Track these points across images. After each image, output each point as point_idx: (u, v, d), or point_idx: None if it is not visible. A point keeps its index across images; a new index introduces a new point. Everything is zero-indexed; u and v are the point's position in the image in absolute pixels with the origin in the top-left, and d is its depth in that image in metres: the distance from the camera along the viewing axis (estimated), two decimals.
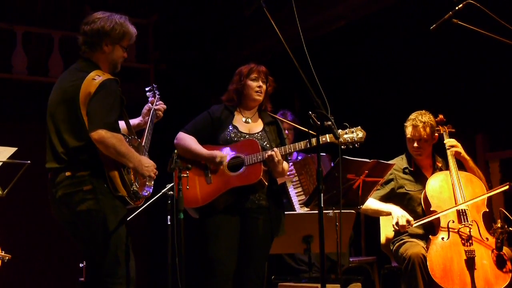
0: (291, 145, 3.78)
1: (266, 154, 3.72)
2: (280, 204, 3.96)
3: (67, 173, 3.21)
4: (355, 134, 3.65)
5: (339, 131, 3.61)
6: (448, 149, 4.28)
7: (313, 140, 3.68)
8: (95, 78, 3.22)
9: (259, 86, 3.91)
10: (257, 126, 3.97)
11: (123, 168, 3.25)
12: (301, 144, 3.75)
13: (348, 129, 3.64)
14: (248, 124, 3.96)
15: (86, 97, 3.19)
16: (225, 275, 3.77)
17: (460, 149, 4.28)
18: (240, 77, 3.94)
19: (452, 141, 4.30)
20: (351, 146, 3.65)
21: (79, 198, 3.20)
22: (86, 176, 3.20)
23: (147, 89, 3.85)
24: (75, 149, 3.21)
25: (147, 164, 3.34)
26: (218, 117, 3.93)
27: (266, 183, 3.78)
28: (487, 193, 4.18)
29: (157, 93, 3.83)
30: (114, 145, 3.14)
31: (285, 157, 3.88)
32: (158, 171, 3.82)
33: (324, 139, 3.65)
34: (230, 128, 3.89)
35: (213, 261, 3.77)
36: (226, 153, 3.82)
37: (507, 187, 4.11)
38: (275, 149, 3.74)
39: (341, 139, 3.61)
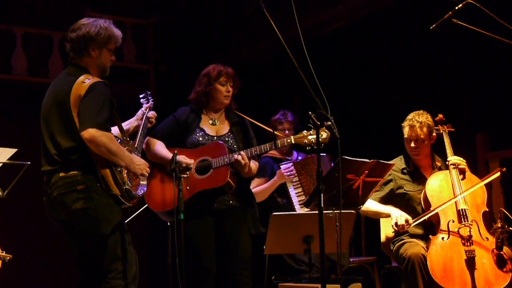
0: (257, 147, 3.85)
1: (233, 158, 3.76)
2: (250, 202, 4.00)
3: (61, 174, 3.27)
4: (320, 135, 3.65)
5: (304, 132, 3.69)
6: (454, 168, 4.24)
7: (278, 142, 3.77)
8: (85, 81, 3.30)
9: (228, 91, 3.97)
10: (224, 127, 4.02)
11: (115, 167, 3.29)
12: (267, 146, 3.83)
13: (312, 130, 3.66)
14: (215, 126, 4.01)
15: (77, 99, 3.26)
16: (209, 280, 3.84)
17: (464, 166, 4.26)
18: (209, 80, 3.98)
19: (455, 160, 4.27)
20: (315, 147, 3.66)
21: (73, 198, 3.25)
22: (78, 176, 3.25)
23: (141, 96, 3.96)
24: (67, 150, 3.27)
25: (139, 163, 3.38)
26: (184, 121, 3.98)
27: (234, 185, 3.83)
28: (482, 181, 4.17)
29: (151, 99, 3.92)
30: (105, 143, 3.19)
31: (254, 157, 3.92)
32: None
33: (289, 140, 3.74)
34: (197, 131, 3.94)
35: (197, 270, 3.82)
36: (193, 158, 3.84)
37: (498, 173, 4.13)
38: (241, 152, 3.79)
39: (305, 140, 3.68)
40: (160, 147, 3.92)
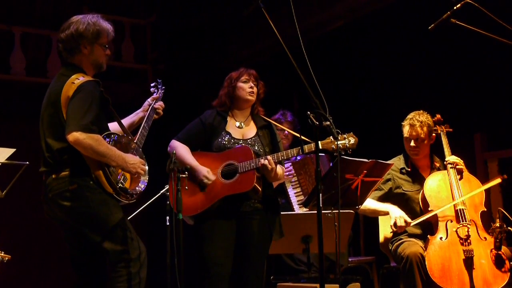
0: (284, 152, 3.78)
1: (259, 163, 3.72)
2: (276, 208, 3.95)
3: (53, 176, 3.28)
4: (347, 140, 3.65)
5: (331, 137, 3.61)
6: (451, 167, 4.25)
7: (305, 147, 3.70)
8: (74, 82, 3.28)
9: (251, 87, 3.92)
10: (251, 131, 3.97)
11: (107, 167, 3.28)
12: (294, 151, 3.76)
13: (340, 136, 3.63)
14: (241, 129, 3.95)
15: (66, 100, 3.25)
16: (219, 276, 3.76)
17: (462, 166, 4.27)
18: (231, 81, 3.95)
19: (453, 159, 4.28)
20: (343, 153, 3.64)
21: (67, 198, 3.25)
22: (69, 176, 3.25)
23: (152, 84, 3.91)
24: (59, 151, 3.27)
25: (132, 161, 3.35)
26: (210, 124, 3.92)
27: (260, 190, 3.79)
28: (483, 187, 4.19)
29: (161, 88, 3.85)
30: (91, 146, 3.17)
31: (281, 162, 3.88)
32: (158, 172, 3.82)
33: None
34: (224, 135, 3.89)
35: (208, 262, 3.77)
36: (219, 161, 3.81)
37: (499, 180, 4.13)
38: (268, 157, 3.73)
39: (333, 146, 3.62)
40: (184, 152, 3.86)
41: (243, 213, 3.82)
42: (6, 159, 4.45)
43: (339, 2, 6.65)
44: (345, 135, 3.65)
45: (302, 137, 3.68)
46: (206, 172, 3.78)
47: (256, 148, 3.87)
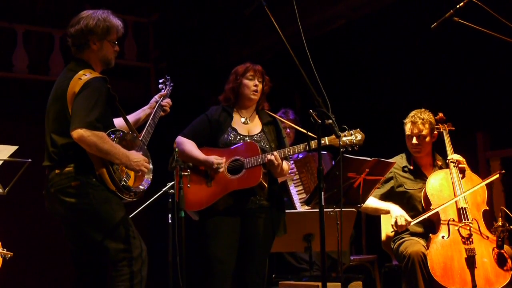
0: (290, 148, 3.78)
1: (266, 158, 3.72)
2: (281, 205, 3.95)
3: (57, 171, 3.26)
4: (354, 136, 3.66)
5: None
6: (454, 166, 4.25)
7: (312, 143, 3.69)
8: (81, 78, 3.26)
9: (255, 85, 3.91)
10: (256, 127, 3.97)
11: (111, 164, 3.26)
12: (300, 147, 3.76)
13: (347, 132, 3.64)
14: (247, 125, 3.95)
15: (72, 96, 3.23)
16: (224, 274, 3.76)
17: (464, 165, 4.27)
18: (236, 76, 3.93)
19: (456, 157, 4.28)
20: (350, 149, 3.65)
21: (69, 194, 3.24)
22: (73, 173, 3.24)
23: (160, 81, 3.89)
24: (63, 146, 3.26)
25: (136, 159, 3.33)
26: (216, 120, 3.92)
27: (266, 185, 3.78)
28: (482, 182, 4.18)
29: (169, 84, 3.83)
30: (95, 143, 3.16)
31: (287, 158, 3.88)
32: (160, 170, 3.81)
33: (323, 141, 3.62)
34: (229, 131, 3.89)
35: (212, 260, 3.77)
36: (225, 157, 3.81)
37: (497, 175, 4.15)
38: (274, 153, 3.74)
39: (340, 142, 3.62)
40: (191, 147, 3.86)
41: (248, 210, 3.81)
42: (9, 157, 4.45)
43: (341, 1, 6.65)
44: (352, 131, 3.66)
45: (309, 133, 3.68)
46: (215, 159, 3.77)
47: (262, 144, 3.87)
